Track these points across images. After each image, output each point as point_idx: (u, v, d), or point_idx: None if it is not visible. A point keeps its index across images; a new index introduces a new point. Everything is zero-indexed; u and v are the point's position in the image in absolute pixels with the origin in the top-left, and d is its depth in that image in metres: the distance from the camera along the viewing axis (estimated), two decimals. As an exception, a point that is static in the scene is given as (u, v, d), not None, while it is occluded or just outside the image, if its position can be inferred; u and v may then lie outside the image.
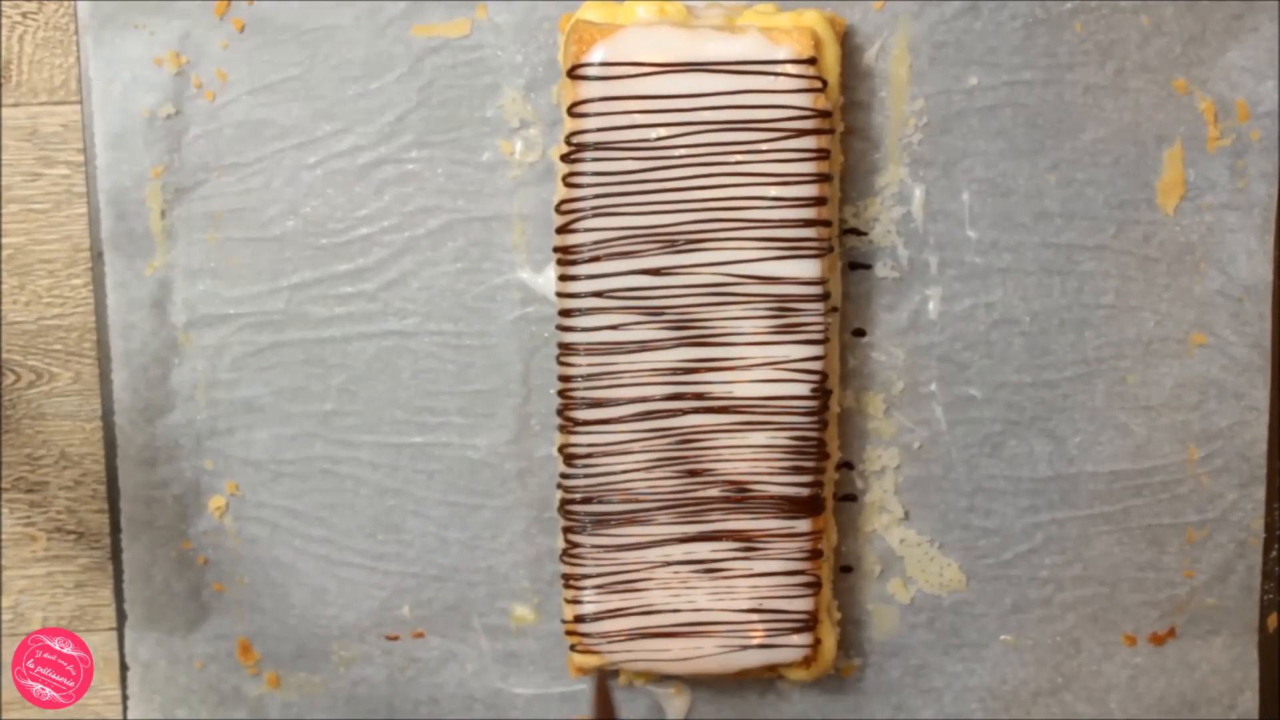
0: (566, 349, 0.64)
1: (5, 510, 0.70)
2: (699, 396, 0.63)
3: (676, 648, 0.65)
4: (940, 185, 0.67)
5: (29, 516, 0.70)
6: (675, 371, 0.63)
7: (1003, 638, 0.69)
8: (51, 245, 0.68)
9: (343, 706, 0.70)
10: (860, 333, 0.67)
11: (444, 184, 0.67)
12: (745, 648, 0.65)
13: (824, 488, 0.65)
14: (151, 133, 0.66)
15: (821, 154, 0.62)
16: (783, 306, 0.63)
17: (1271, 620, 0.70)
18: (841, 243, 0.66)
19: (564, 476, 0.65)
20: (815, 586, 0.65)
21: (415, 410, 0.68)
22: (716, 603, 0.65)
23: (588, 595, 0.65)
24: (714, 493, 0.64)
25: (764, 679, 0.69)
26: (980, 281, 0.67)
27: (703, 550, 0.64)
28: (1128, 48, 0.66)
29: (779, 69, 0.62)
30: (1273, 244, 0.67)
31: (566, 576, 0.65)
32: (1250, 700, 0.70)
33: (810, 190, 0.62)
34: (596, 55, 0.62)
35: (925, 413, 0.68)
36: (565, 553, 0.65)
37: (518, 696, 0.70)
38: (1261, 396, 0.68)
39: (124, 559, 0.69)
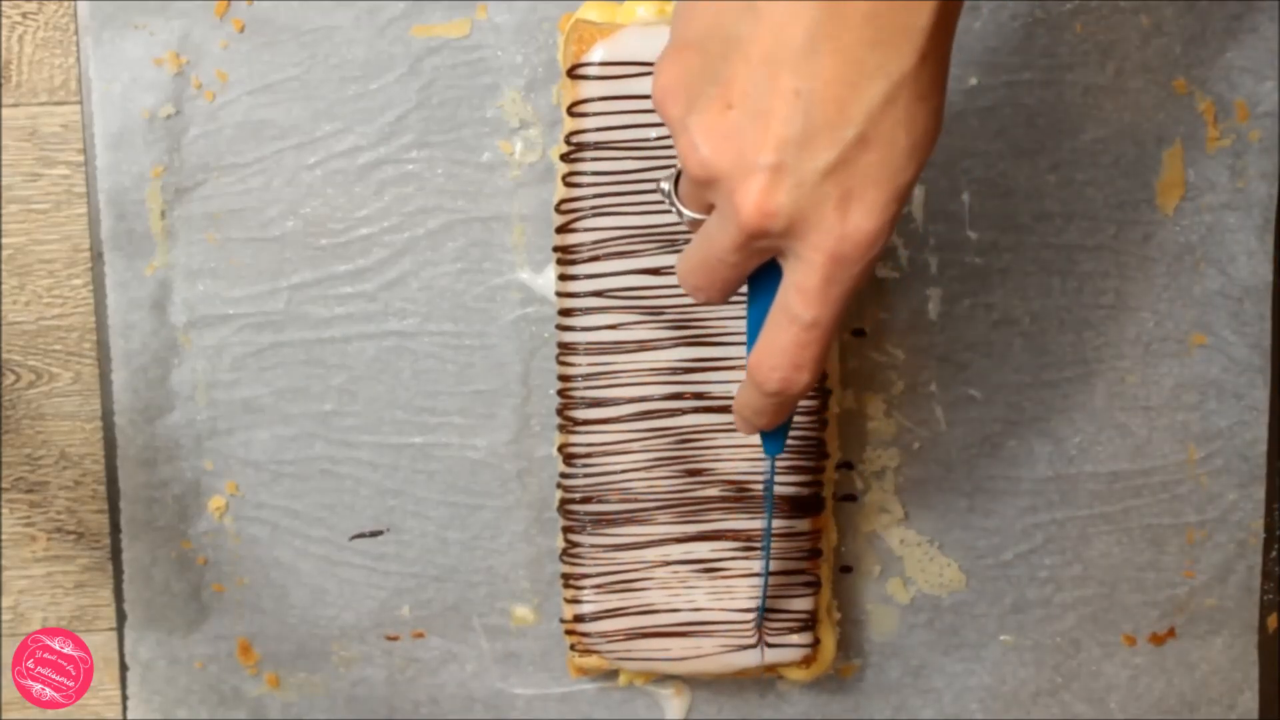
0: (566, 349, 0.64)
1: (5, 510, 0.70)
2: (698, 396, 0.63)
3: (676, 648, 0.65)
4: (940, 185, 0.67)
5: (29, 516, 0.70)
6: (675, 371, 0.63)
7: (1002, 638, 0.69)
8: (51, 245, 0.68)
9: (343, 706, 0.70)
10: (860, 333, 0.67)
11: (444, 184, 0.67)
12: (745, 648, 0.65)
13: (824, 487, 0.65)
14: (151, 133, 0.66)
15: (821, 154, 0.62)
16: (782, 306, 0.63)
17: (1271, 620, 0.70)
18: (841, 243, 0.66)
19: (564, 476, 0.65)
20: (815, 586, 0.65)
21: (415, 410, 0.68)
22: (716, 603, 0.64)
23: (587, 595, 0.65)
24: (713, 492, 0.64)
25: (764, 679, 0.69)
26: (980, 281, 0.67)
27: (702, 550, 0.64)
28: (1128, 48, 0.66)
29: (779, 69, 0.62)
30: (1273, 244, 0.67)
31: (566, 576, 0.65)
32: (1250, 700, 0.70)
33: (810, 190, 0.62)
34: (596, 55, 0.62)
35: (925, 413, 0.68)
36: (565, 552, 0.65)
37: (518, 697, 0.70)
38: (1261, 396, 0.68)
39: (124, 559, 0.69)
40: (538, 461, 0.68)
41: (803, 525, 0.64)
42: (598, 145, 0.62)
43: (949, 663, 0.69)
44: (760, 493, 0.64)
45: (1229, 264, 0.67)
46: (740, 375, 0.63)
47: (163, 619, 0.69)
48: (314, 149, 0.67)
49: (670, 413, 0.63)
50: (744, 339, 0.63)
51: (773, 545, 0.64)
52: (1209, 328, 0.68)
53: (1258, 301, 0.67)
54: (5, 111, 0.68)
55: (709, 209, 0.48)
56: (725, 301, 0.51)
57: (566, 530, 0.65)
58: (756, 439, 0.63)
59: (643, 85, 0.62)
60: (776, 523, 0.64)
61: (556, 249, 0.63)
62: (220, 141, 0.67)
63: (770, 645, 0.65)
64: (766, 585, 0.63)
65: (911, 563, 0.69)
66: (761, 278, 0.50)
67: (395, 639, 0.69)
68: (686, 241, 0.62)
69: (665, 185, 0.51)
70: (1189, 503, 0.69)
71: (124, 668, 0.70)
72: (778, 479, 0.63)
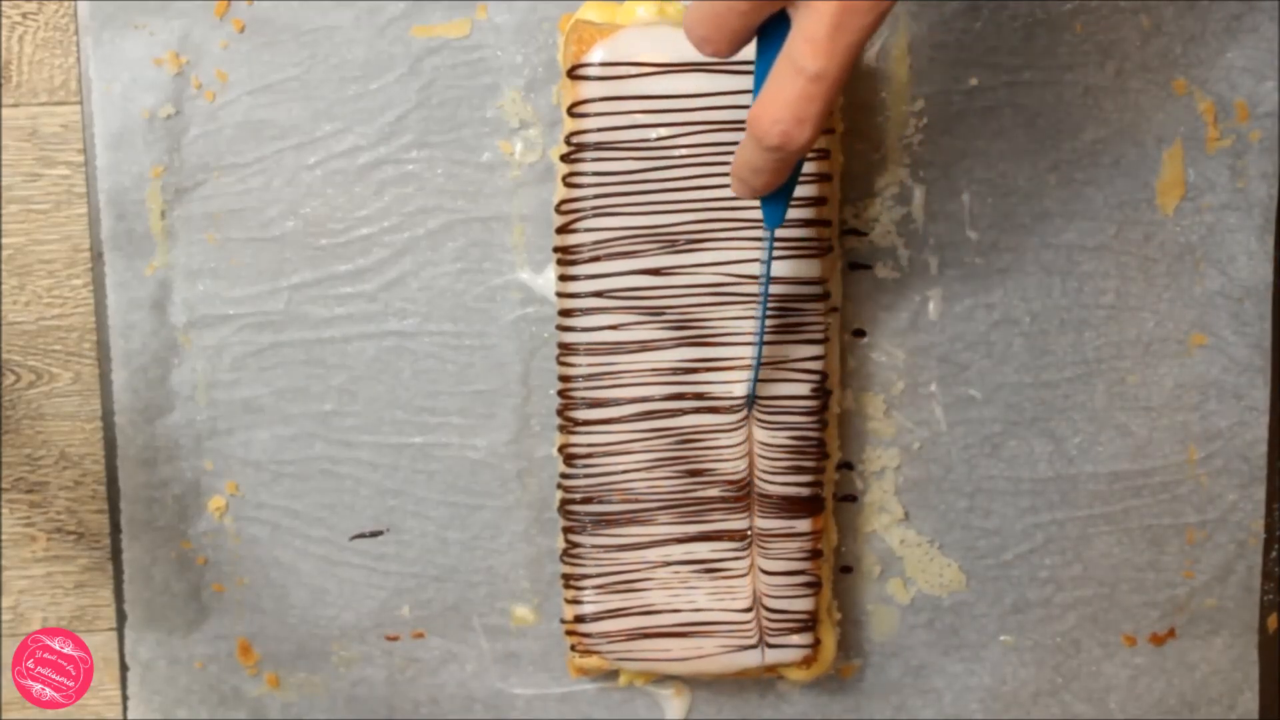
0: (566, 349, 0.64)
1: (5, 510, 0.70)
2: (699, 396, 0.63)
3: (676, 648, 0.65)
4: (940, 186, 0.67)
5: (29, 516, 0.70)
6: (675, 371, 0.63)
7: (1002, 638, 0.69)
8: (51, 245, 0.68)
9: (343, 706, 0.70)
10: (860, 333, 0.67)
11: (444, 184, 0.67)
12: (745, 648, 0.65)
13: (824, 488, 0.65)
14: (151, 133, 0.66)
15: (822, 154, 0.62)
16: (783, 306, 0.63)
17: (1271, 620, 0.70)
18: (842, 243, 0.66)
19: (564, 476, 0.65)
20: (815, 586, 0.65)
21: (415, 410, 0.68)
22: (716, 603, 0.64)
23: (588, 595, 0.65)
24: (714, 493, 0.64)
25: (764, 679, 0.69)
26: (980, 282, 0.67)
27: (703, 550, 0.64)
28: (1128, 48, 0.66)
29: (779, 69, 0.62)
30: (1273, 244, 0.67)
31: (566, 576, 0.65)
32: (1250, 700, 0.70)
33: (810, 190, 0.62)
34: (596, 55, 0.62)
35: (925, 413, 0.68)
36: (565, 553, 0.65)
37: (518, 697, 0.70)
38: (1261, 396, 0.68)
39: (124, 559, 0.69)
40: (538, 461, 0.68)
41: (803, 525, 0.64)
42: (598, 146, 0.62)
43: (949, 663, 0.69)
44: (759, 490, 0.63)
45: (1229, 264, 0.67)
46: (740, 375, 0.63)
47: (163, 619, 0.69)
48: (314, 149, 0.67)
49: (670, 413, 0.63)
50: (745, 339, 0.63)
51: (773, 545, 0.64)
52: (1209, 328, 0.68)
53: (1258, 301, 0.67)
54: (5, 111, 0.68)
55: None
56: (732, 54, 0.50)
57: (567, 530, 0.65)
58: (756, 439, 0.63)
59: (643, 85, 0.61)
60: (776, 523, 0.64)
61: (557, 249, 0.63)
62: (220, 141, 0.67)
63: (770, 645, 0.65)
64: (758, 372, 0.62)
65: (911, 563, 0.69)
66: (770, 31, 0.49)
67: (395, 639, 0.69)
68: (688, 241, 0.62)
69: None
70: (1189, 503, 0.69)
71: (124, 668, 0.70)
72: (777, 479, 0.63)
